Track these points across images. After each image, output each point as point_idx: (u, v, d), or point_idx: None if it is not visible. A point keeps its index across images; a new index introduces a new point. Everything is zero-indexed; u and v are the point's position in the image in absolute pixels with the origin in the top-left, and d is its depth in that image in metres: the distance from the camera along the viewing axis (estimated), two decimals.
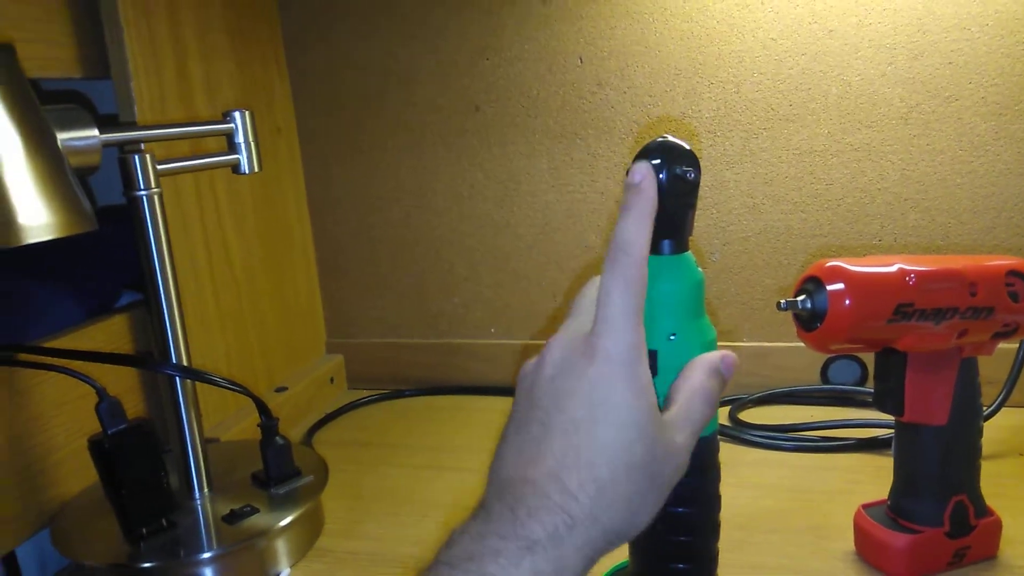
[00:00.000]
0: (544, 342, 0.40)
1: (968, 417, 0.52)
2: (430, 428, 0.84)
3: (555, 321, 0.90)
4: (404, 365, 0.96)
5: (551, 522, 0.35)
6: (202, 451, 0.63)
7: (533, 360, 0.40)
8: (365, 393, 0.93)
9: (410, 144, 0.90)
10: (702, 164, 0.82)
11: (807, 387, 0.84)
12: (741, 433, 0.77)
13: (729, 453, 0.75)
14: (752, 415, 0.82)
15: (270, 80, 0.87)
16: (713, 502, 0.45)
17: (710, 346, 0.44)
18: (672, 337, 0.42)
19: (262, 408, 0.64)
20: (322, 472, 0.67)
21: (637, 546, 0.46)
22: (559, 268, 0.90)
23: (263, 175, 0.85)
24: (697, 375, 0.40)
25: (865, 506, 0.57)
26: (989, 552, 0.55)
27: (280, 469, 0.65)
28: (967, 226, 0.77)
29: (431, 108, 0.88)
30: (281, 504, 0.63)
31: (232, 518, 0.60)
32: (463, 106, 0.87)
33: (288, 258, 0.90)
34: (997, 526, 0.55)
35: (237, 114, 0.64)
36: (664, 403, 0.40)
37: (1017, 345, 0.72)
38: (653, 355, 0.41)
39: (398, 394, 0.93)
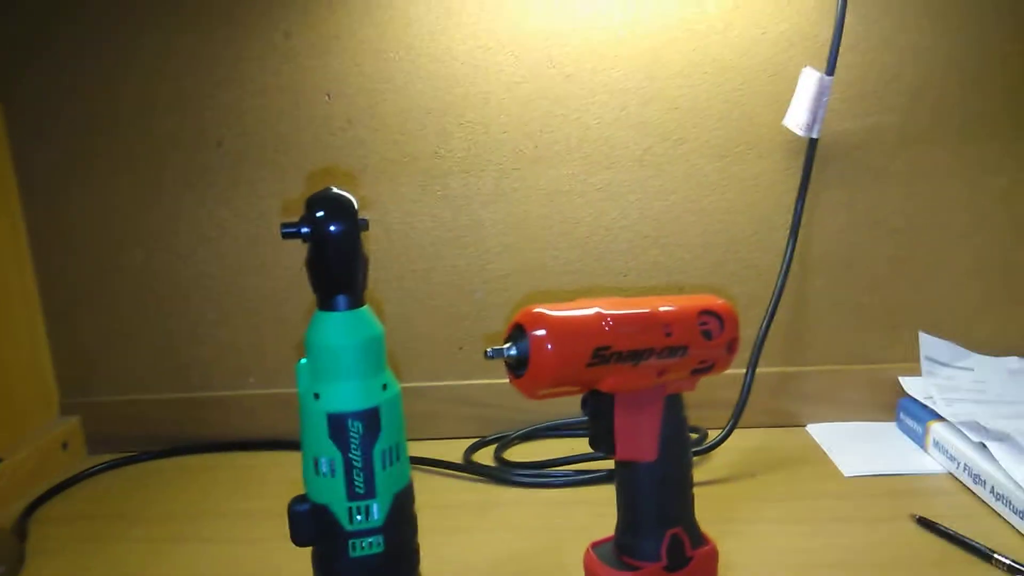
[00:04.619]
0: None
1: (676, 451, 0.54)
2: (174, 494, 0.77)
3: None
4: (153, 423, 0.87)
5: None
6: None
7: None
8: (106, 458, 0.84)
9: (151, 180, 0.83)
10: (458, 203, 0.83)
11: (569, 420, 0.86)
12: (501, 473, 0.76)
13: (490, 495, 0.74)
14: (517, 452, 0.82)
15: None
16: (410, 558, 0.43)
17: (396, 401, 0.42)
18: (384, 388, 0.40)
19: None
20: (15, 560, 0.58)
21: None
22: None
23: None
24: None
25: (594, 544, 0.57)
26: None
27: None
28: (701, 260, 0.82)
29: (169, 142, 0.82)
30: None
31: None
32: (206, 141, 0.82)
33: (3, 308, 0.80)
34: (713, 555, 0.56)
35: None
36: None
37: (744, 371, 0.77)
38: (376, 412, 0.40)
39: (139, 457, 0.84)
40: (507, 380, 0.85)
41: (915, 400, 0.78)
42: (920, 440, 0.77)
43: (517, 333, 0.49)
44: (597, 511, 0.69)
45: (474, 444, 0.83)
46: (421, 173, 0.81)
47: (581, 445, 0.81)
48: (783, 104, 0.77)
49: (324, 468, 0.40)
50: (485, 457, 0.81)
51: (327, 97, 0.80)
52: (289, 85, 0.80)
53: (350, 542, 0.40)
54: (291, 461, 0.83)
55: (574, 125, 0.79)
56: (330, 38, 0.78)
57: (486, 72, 0.78)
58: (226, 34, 0.79)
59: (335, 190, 0.40)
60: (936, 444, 0.74)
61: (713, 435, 0.78)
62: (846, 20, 0.73)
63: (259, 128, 0.81)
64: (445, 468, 0.78)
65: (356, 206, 0.39)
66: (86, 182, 0.83)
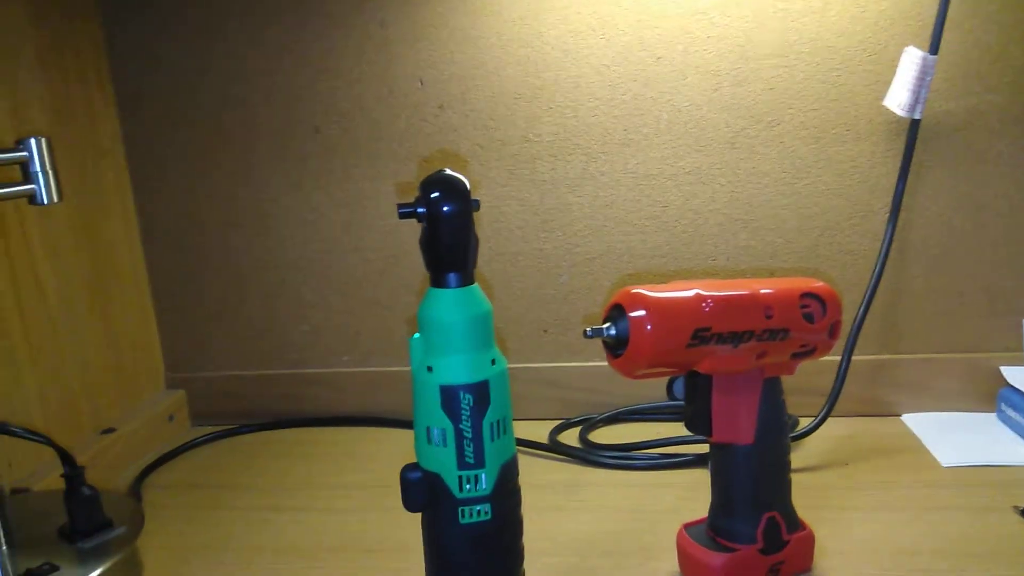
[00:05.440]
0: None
1: (774, 435, 0.53)
2: (270, 465, 0.81)
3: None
4: (253, 398, 0.92)
5: None
6: None
7: None
8: (208, 430, 0.89)
9: (249, 167, 0.86)
10: (546, 187, 0.83)
11: (653, 404, 0.86)
12: (588, 454, 0.77)
13: (577, 475, 0.75)
14: (601, 435, 0.82)
15: (91, 100, 0.82)
16: (515, 527, 0.45)
17: (504, 376, 0.43)
18: (493, 363, 0.42)
19: (64, 457, 0.59)
20: (136, 521, 0.62)
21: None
22: (413, 292, 0.88)
23: (85, 201, 0.80)
24: None
25: (687, 525, 0.57)
26: (803, 566, 0.56)
27: (88, 521, 0.60)
28: (793, 244, 0.80)
29: (269, 130, 0.85)
30: (88, 559, 0.58)
31: None
32: (303, 129, 0.85)
33: (116, 289, 0.85)
34: (809, 540, 0.56)
35: (32, 141, 0.59)
36: None
37: (839, 358, 0.76)
38: (485, 385, 0.41)
39: (240, 430, 0.88)
40: (591, 363, 0.86)
41: (1017, 390, 0.76)
42: (1023, 431, 0.74)
43: (616, 313, 0.49)
44: (684, 494, 0.69)
45: (558, 426, 0.84)
46: (510, 158, 0.82)
47: (665, 429, 0.81)
48: (882, 85, 0.75)
49: (436, 438, 0.42)
50: (570, 439, 0.82)
51: (420, 84, 0.82)
52: (384, 73, 0.82)
53: (460, 509, 0.42)
54: (379, 436, 0.86)
55: (664, 107, 0.78)
56: (425, 26, 0.80)
57: (576, 56, 0.79)
58: (322, 24, 0.82)
59: (449, 171, 0.41)
60: None
61: (805, 423, 0.77)
62: None
63: (354, 115, 0.83)
64: (532, 448, 0.79)
65: (468, 187, 0.41)
66: (187, 169, 0.87)
